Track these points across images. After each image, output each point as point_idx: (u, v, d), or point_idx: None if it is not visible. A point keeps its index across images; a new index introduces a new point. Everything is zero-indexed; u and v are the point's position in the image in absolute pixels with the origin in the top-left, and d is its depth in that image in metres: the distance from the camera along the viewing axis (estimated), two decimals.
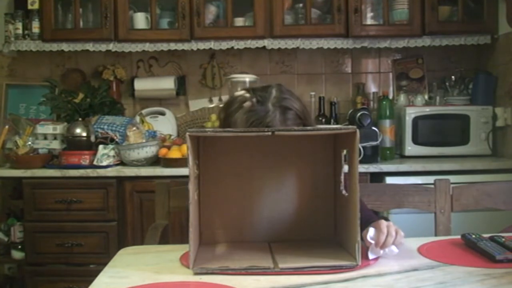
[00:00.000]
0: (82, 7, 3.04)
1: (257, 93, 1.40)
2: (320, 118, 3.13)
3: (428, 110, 2.96)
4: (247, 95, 1.40)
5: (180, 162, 2.65)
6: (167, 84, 3.21)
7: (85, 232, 2.71)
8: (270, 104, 1.37)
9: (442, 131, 2.95)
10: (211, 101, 3.33)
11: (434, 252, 1.28)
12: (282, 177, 1.35)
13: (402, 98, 3.13)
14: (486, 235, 1.33)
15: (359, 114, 2.76)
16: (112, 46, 3.02)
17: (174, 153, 2.71)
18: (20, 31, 3.03)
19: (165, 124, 3.19)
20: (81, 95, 2.97)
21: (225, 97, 3.27)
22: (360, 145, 2.61)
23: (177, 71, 3.33)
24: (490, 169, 2.69)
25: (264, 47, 3.02)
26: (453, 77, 3.20)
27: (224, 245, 1.33)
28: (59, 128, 2.88)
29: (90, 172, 2.69)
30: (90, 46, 3.01)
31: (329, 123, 3.11)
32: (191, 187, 1.16)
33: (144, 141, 2.78)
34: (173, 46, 3.02)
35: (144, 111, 3.21)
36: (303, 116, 1.41)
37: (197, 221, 1.27)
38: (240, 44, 3.00)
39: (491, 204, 1.76)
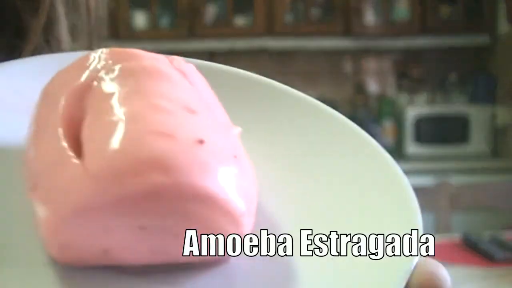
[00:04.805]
0: None
1: None
2: None
3: (428, 110, 2.96)
4: None
5: None
6: None
7: None
8: None
9: (442, 131, 2.95)
10: None
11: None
12: None
13: (402, 98, 3.13)
14: (486, 235, 1.33)
15: (359, 114, 2.76)
16: (112, 46, 3.01)
17: None
18: None
19: None
20: None
21: None
22: None
23: None
24: (490, 169, 2.69)
25: (264, 47, 3.02)
26: (453, 77, 3.20)
27: None
28: None
29: None
30: None
31: None
32: None
33: None
34: (173, 45, 3.01)
35: None
36: None
37: None
38: (240, 44, 3.00)
39: (491, 204, 1.76)
